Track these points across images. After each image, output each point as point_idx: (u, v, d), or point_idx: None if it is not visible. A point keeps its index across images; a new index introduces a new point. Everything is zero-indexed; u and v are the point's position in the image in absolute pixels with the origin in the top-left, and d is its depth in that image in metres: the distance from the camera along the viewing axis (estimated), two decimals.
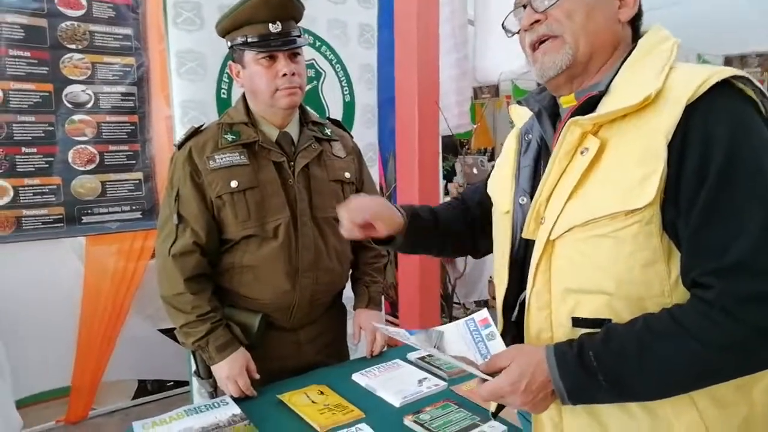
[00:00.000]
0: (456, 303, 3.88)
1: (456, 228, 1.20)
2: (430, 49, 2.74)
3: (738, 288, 0.73)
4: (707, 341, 0.74)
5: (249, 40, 1.43)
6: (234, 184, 1.45)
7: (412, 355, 1.62)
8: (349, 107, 2.42)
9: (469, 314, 0.97)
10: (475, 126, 4.14)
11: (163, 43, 2.20)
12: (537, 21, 0.91)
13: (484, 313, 0.92)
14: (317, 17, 2.24)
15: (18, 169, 2.33)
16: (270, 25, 1.43)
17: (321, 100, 2.34)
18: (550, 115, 0.97)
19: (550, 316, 0.89)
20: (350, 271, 1.78)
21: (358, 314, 1.72)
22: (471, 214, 1.21)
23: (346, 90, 2.41)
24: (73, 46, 2.38)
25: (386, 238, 1.11)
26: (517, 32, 0.97)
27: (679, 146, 0.77)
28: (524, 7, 0.94)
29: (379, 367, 1.55)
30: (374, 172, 2.46)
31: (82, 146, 2.46)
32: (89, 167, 2.49)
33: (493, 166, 1.13)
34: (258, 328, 1.51)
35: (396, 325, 2.51)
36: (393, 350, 1.71)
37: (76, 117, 2.43)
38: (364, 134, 2.42)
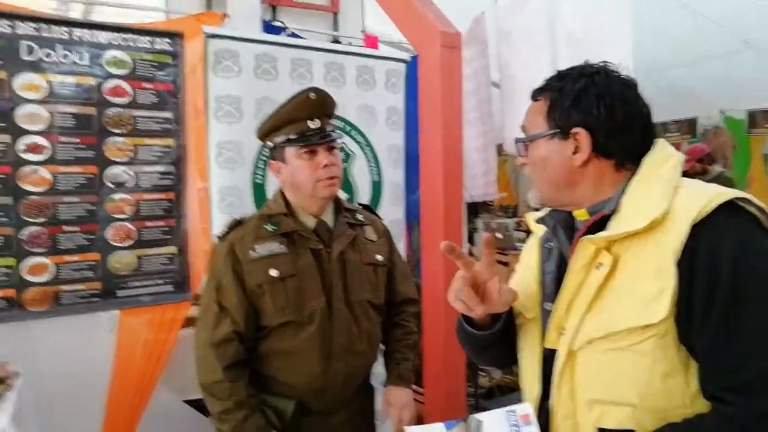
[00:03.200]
0: (481, 371, 3.82)
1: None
2: (454, 121, 2.82)
3: (757, 406, 0.76)
4: None
5: (290, 137, 1.54)
6: (274, 272, 1.52)
7: None
8: (376, 186, 2.51)
9: (504, 403, 0.97)
10: (503, 195, 4.26)
11: (198, 120, 2.36)
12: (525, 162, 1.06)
13: (527, 408, 0.92)
14: (347, 104, 2.36)
15: (59, 247, 2.43)
16: (309, 122, 1.54)
17: (350, 181, 2.43)
18: (565, 228, 1.03)
19: (577, 426, 0.92)
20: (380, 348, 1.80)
21: (388, 391, 1.74)
22: None
23: (374, 170, 2.51)
24: (118, 131, 2.52)
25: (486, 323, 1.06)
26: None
27: (687, 264, 0.82)
28: None
29: None
30: (401, 245, 2.52)
31: (121, 223, 2.56)
32: (126, 243, 2.58)
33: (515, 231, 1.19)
34: (292, 413, 1.53)
35: (421, 395, 2.47)
36: None
37: (116, 196, 2.54)
38: (392, 211, 2.50)
